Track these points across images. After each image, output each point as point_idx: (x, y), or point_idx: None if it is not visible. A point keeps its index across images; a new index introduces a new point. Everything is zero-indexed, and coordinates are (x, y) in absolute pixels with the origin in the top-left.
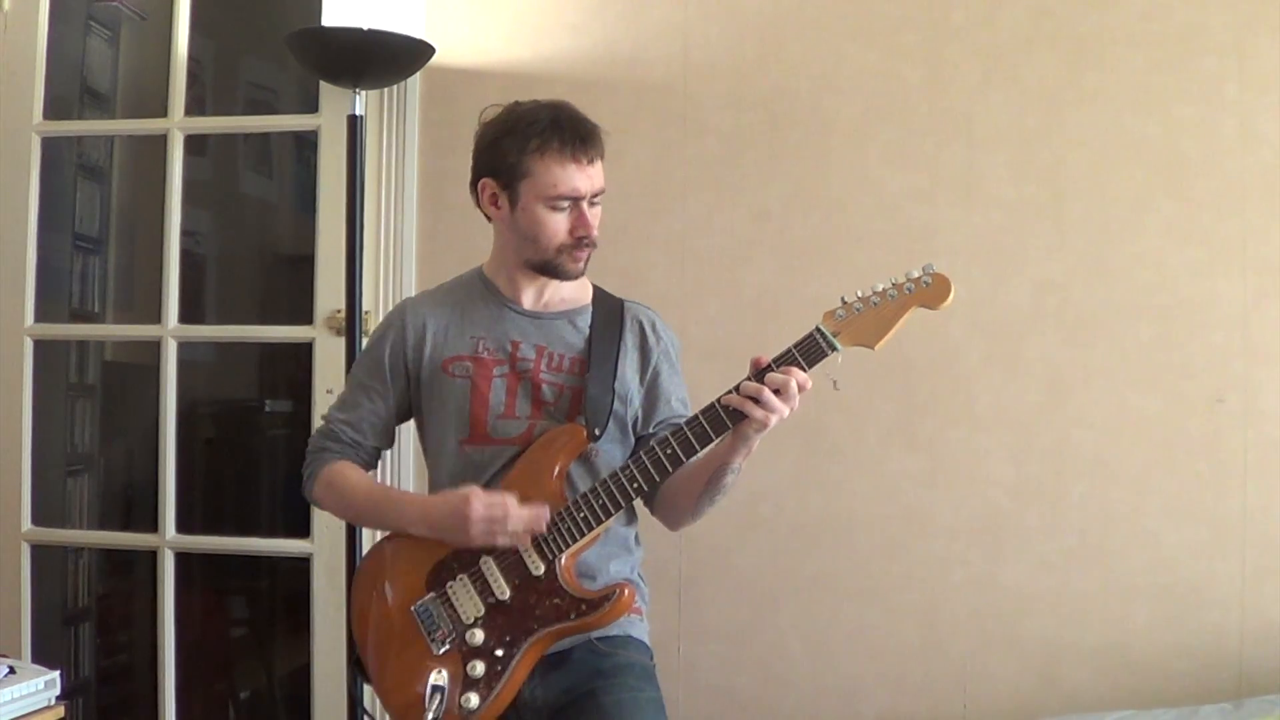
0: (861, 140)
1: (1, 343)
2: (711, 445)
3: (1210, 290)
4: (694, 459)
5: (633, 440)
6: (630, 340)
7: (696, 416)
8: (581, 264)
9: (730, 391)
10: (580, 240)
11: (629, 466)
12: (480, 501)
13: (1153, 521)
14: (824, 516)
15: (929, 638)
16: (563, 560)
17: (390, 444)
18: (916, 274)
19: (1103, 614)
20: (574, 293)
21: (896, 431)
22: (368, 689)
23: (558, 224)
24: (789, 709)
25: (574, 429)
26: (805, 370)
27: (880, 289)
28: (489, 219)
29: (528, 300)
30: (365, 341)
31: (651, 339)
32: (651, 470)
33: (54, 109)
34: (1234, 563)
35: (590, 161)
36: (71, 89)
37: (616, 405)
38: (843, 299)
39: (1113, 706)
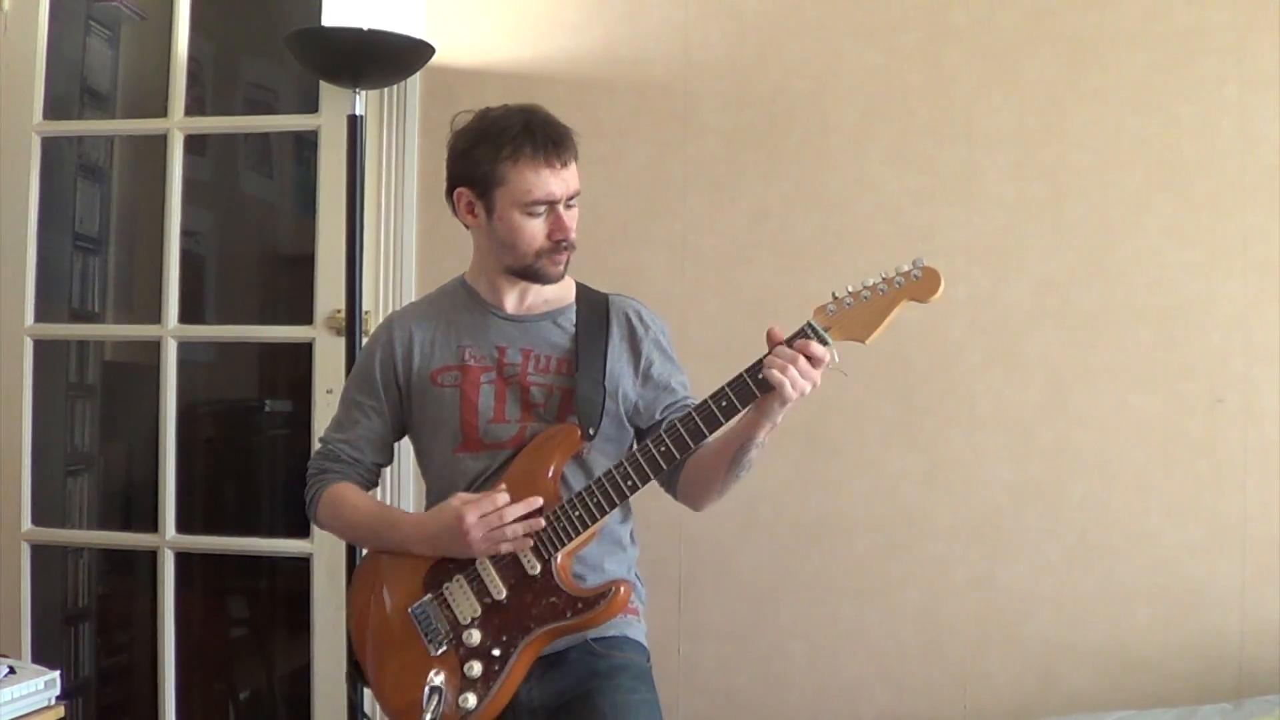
0: (861, 140)
1: (1, 343)
2: (730, 423)
3: (1210, 290)
4: (704, 442)
5: (629, 435)
6: (618, 334)
7: (724, 389)
8: (561, 267)
9: (755, 365)
10: (559, 244)
11: (623, 464)
12: (473, 513)
13: (1153, 522)
14: (824, 516)
15: (929, 638)
16: (558, 559)
17: (389, 460)
18: (906, 268)
19: (1103, 614)
20: (557, 293)
21: (896, 431)
22: (367, 692)
23: (535, 229)
24: (789, 709)
25: (568, 428)
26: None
27: (870, 283)
28: (467, 227)
29: (510, 304)
30: (360, 354)
31: (640, 329)
32: (645, 467)
33: (54, 109)
34: (1234, 563)
35: (564, 165)
36: (71, 89)
37: (608, 403)
38: (834, 294)
39: (1113, 707)
